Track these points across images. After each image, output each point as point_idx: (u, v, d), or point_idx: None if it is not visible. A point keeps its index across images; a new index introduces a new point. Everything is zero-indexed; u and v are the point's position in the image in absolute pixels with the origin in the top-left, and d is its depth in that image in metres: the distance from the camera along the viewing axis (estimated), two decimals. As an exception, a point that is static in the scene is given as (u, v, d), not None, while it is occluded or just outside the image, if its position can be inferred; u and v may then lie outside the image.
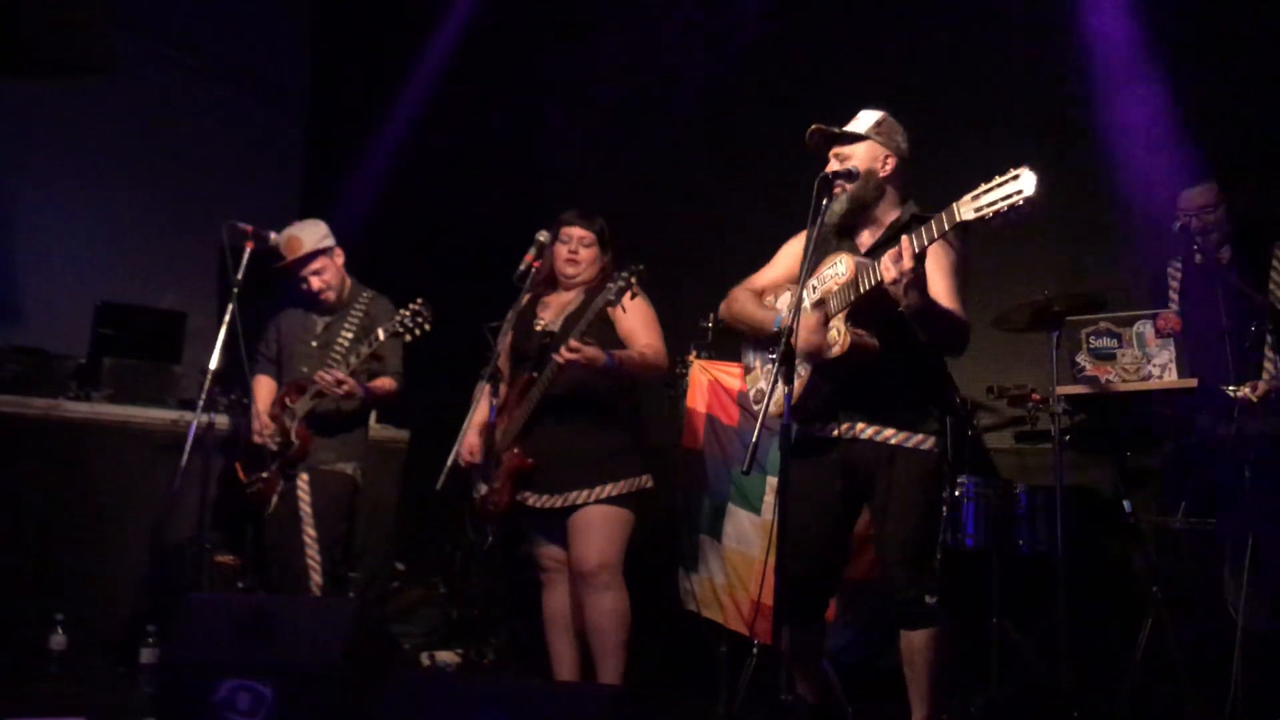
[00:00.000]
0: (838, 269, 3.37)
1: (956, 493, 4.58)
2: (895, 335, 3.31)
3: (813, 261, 3.33)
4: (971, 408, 5.15)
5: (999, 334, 4.87)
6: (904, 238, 3.09)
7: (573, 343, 3.92)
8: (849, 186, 3.45)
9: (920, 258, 3.06)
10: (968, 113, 5.62)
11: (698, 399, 4.89)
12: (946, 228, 3.02)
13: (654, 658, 4.91)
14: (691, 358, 4.96)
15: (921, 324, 3.22)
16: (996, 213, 2.91)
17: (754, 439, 3.05)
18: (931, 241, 3.06)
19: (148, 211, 6.67)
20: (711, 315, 4.86)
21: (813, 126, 3.50)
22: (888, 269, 3.09)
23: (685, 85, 6.24)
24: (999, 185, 2.92)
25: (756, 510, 4.64)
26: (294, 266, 4.73)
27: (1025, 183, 2.86)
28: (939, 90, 5.69)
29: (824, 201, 3.28)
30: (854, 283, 3.28)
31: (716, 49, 6.18)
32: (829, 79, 5.97)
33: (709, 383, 4.88)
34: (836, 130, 3.51)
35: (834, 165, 3.47)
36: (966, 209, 2.97)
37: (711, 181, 6.26)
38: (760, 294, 3.68)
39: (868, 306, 3.27)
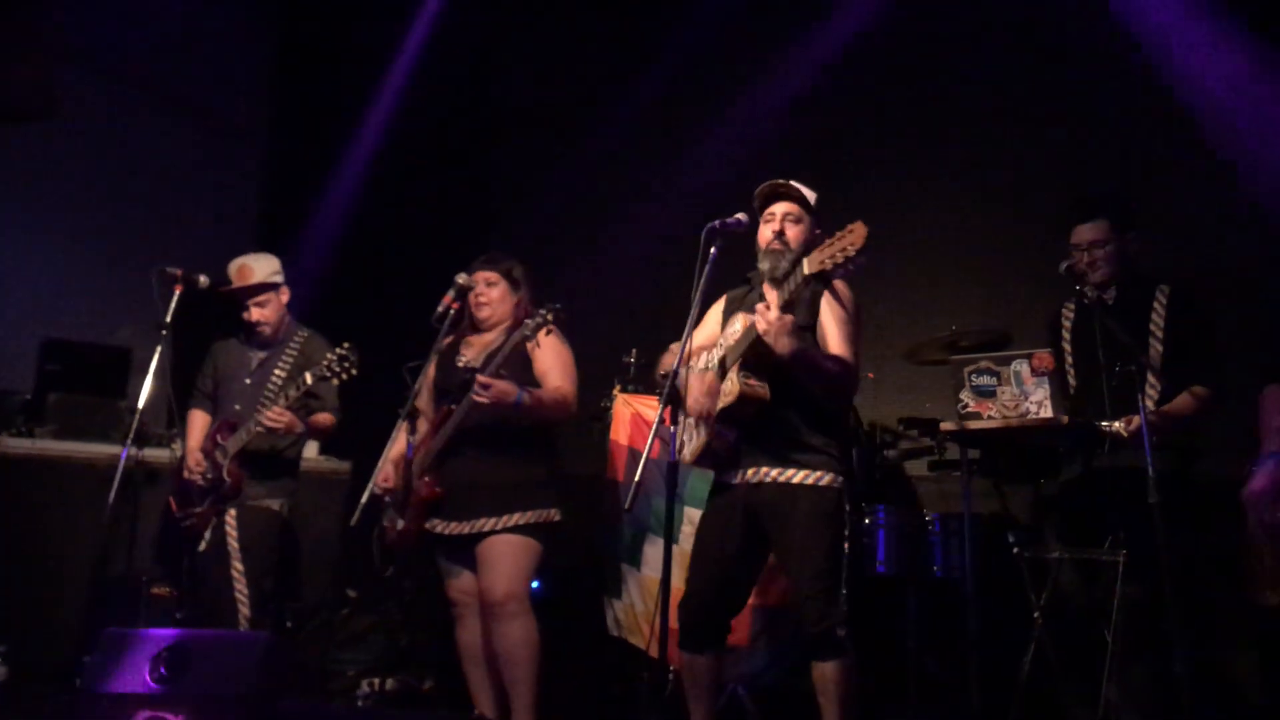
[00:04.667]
0: (735, 327, 3.62)
1: (867, 521, 4.77)
2: (791, 383, 3.53)
3: (722, 320, 3.61)
4: (893, 438, 5.35)
5: (915, 367, 5.08)
6: (768, 291, 3.33)
7: (482, 379, 4.07)
8: (793, 246, 3.65)
9: (785, 308, 3.30)
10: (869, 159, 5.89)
11: (620, 431, 5.06)
12: (799, 281, 3.28)
13: (581, 686, 5.06)
14: (616, 391, 5.14)
15: (798, 370, 3.44)
16: (836, 264, 3.16)
17: (635, 479, 3.24)
18: (791, 295, 3.31)
19: (102, 247, 6.75)
20: (634, 350, 5.10)
21: (787, 181, 3.72)
22: (758, 321, 3.34)
23: (611, 130, 6.45)
24: (838, 240, 3.18)
25: (675, 540, 4.79)
26: (239, 294, 4.88)
27: (857, 235, 3.13)
28: (853, 139, 5.95)
29: (711, 250, 3.48)
30: (744, 336, 3.51)
31: (640, 93, 6.39)
32: (748, 126, 6.21)
33: (631, 415, 5.04)
34: (798, 190, 3.71)
35: (780, 224, 3.69)
36: (812, 263, 3.24)
37: (637, 222, 6.46)
38: (688, 358, 3.84)
39: (757, 357, 3.50)
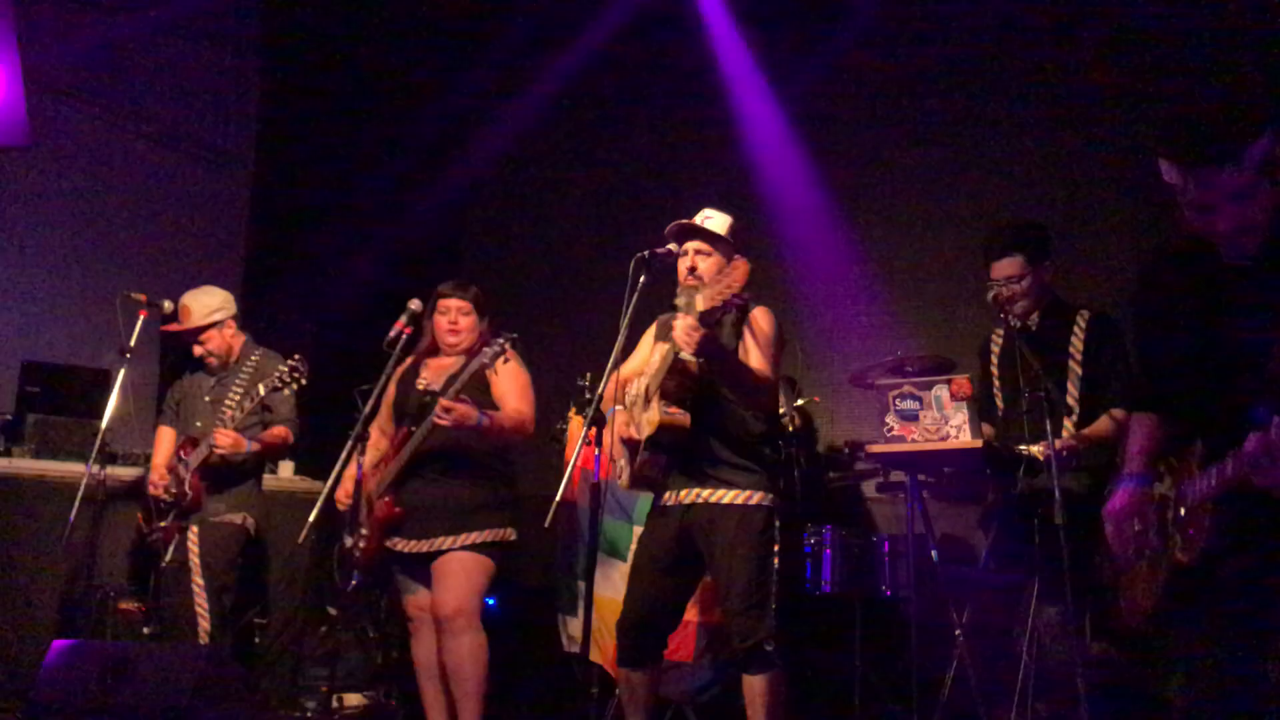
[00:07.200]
0: (655, 357, 3.80)
1: (814, 541, 4.89)
2: (715, 409, 3.72)
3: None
4: (847, 459, 5.46)
5: (867, 392, 5.19)
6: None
7: (444, 402, 4.21)
8: (706, 280, 3.79)
9: (702, 320, 3.49)
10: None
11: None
12: (696, 313, 3.50)
13: (536, 701, 5.18)
14: (572, 414, 5.27)
15: (721, 379, 3.64)
16: (725, 300, 3.39)
17: (555, 499, 3.39)
18: (701, 313, 3.50)
19: (87, 273, 6.86)
20: (588, 375, 5.22)
21: (680, 221, 3.87)
22: (678, 337, 3.51)
23: (561, 153, 6.60)
24: (723, 277, 3.44)
25: (624, 558, 4.92)
26: (182, 334, 5.07)
27: (738, 274, 3.39)
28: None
29: (640, 278, 3.64)
30: (661, 364, 3.68)
31: (591, 117, 6.55)
32: (695, 149, 6.38)
33: (586, 438, 5.16)
34: (704, 229, 3.86)
35: (692, 260, 3.85)
36: (704, 300, 3.48)
37: (589, 247, 6.62)
38: (624, 385, 3.99)
39: (676, 385, 3.67)
